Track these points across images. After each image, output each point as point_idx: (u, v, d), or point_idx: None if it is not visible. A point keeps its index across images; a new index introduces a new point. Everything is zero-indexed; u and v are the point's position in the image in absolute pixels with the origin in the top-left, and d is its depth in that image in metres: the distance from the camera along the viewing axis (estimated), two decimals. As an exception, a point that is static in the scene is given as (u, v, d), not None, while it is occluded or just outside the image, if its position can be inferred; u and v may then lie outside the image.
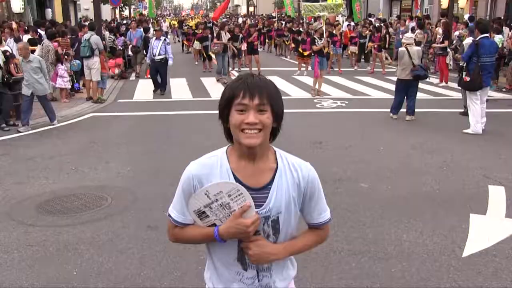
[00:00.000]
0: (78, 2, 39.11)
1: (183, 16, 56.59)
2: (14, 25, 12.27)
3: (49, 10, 26.92)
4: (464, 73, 9.11)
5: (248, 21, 30.05)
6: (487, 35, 9.17)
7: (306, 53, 16.34)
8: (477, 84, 8.83)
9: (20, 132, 9.26)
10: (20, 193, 6.20)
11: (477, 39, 9.00)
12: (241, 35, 17.98)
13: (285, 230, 1.95)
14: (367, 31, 19.05)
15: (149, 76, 14.99)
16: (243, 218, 1.83)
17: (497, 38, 13.66)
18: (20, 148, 8.30)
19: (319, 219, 2.02)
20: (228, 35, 16.50)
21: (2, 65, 9.53)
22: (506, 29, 14.18)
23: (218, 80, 15.49)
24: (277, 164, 1.92)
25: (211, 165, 1.90)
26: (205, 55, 18.59)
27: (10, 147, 8.39)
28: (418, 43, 15.86)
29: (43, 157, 7.73)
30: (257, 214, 1.85)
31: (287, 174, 1.92)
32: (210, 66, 18.53)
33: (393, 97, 10.49)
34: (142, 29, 17.81)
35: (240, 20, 37.98)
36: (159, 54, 13.76)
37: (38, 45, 12.41)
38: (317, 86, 13.21)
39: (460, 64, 9.80)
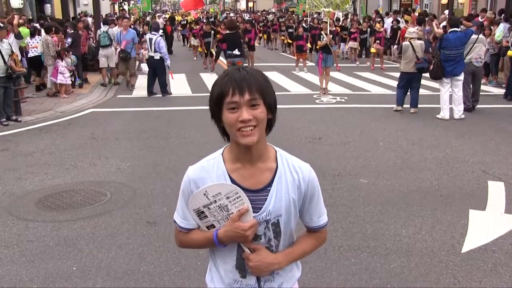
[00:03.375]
0: (77, -3, 38.98)
1: (181, 12, 56.46)
2: (16, 21, 12.21)
3: (48, 6, 26.85)
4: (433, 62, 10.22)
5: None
6: (456, 29, 9.87)
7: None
8: (434, 74, 9.86)
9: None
10: (19, 188, 6.20)
11: (448, 32, 9.91)
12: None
13: (286, 232, 1.92)
14: (367, 26, 19.02)
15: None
16: (241, 222, 1.80)
17: (498, 32, 13.63)
18: (20, 143, 8.30)
19: (319, 222, 1.99)
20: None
21: (7, 60, 9.56)
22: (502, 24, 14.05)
23: None
24: (276, 165, 1.87)
25: (207, 169, 1.86)
26: (206, 52, 18.45)
27: (10, 142, 8.39)
28: (418, 40, 15.81)
29: (43, 152, 7.73)
30: (255, 219, 1.82)
31: (287, 175, 1.86)
32: (211, 62, 18.36)
33: (392, 92, 10.62)
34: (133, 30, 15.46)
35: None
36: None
37: (39, 41, 12.56)
38: (323, 85, 12.79)
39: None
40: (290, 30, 22.90)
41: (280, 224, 1.89)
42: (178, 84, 14.58)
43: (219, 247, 1.89)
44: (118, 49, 13.63)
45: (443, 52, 9.66)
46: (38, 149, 7.93)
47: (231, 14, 37.06)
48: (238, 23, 19.27)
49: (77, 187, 6.21)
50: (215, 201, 1.80)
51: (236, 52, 12.33)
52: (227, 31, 12.86)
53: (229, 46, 12.46)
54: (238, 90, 1.72)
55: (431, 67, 10.01)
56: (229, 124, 1.76)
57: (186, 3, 21.23)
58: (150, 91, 12.96)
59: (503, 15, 15.42)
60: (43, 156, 7.53)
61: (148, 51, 13.00)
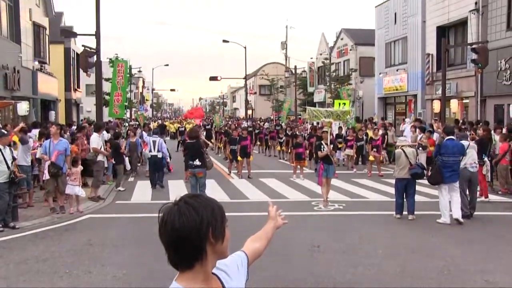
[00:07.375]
0: (81, 105, 40.38)
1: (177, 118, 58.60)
2: (17, 129, 12.58)
3: (52, 113, 27.73)
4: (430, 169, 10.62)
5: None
6: (452, 137, 10.30)
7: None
8: (433, 179, 10.12)
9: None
10: (10, 298, 6.03)
11: (444, 140, 10.29)
12: (238, 138, 17.86)
13: None
14: (363, 134, 19.55)
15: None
16: None
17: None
18: (14, 250, 8.18)
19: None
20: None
21: (10, 165, 9.74)
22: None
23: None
24: (213, 273, 2.05)
25: None
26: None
27: (4, 249, 8.27)
28: (424, 147, 16.20)
29: (37, 259, 7.60)
30: None
31: (222, 275, 2.09)
32: None
33: (390, 199, 10.64)
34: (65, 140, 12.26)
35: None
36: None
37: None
38: (326, 195, 12.17)
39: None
40: None
41: None
42: (177, 190, 14.64)
43: None
44: (48, 163, 11.00)
45: (441, 159, 9.93)
46: (32, 255, 7.80)
47: (230, 122, 38.14)
48: (240, 130, 19.17)
49: (70, 296, 6.04)
50: None
51: (197, 162, 11.33)
52: (188, 140, 12.21)
53: (190, 156, 11.69)
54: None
55: (429, 172, 10.22)
56: (228, 239, 1.96)
57: (192, 113, 23.07)
58: (154, 183, 15.13)
59: (493, 125, 15.99)
60: (37, 264, 7.39)
61: (151, 151, 15.59)
